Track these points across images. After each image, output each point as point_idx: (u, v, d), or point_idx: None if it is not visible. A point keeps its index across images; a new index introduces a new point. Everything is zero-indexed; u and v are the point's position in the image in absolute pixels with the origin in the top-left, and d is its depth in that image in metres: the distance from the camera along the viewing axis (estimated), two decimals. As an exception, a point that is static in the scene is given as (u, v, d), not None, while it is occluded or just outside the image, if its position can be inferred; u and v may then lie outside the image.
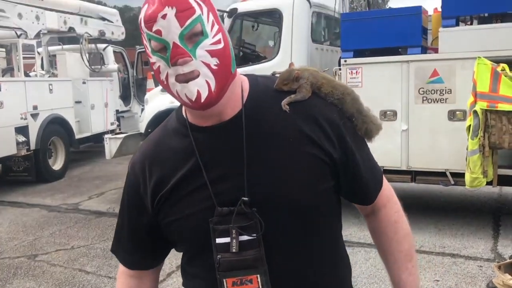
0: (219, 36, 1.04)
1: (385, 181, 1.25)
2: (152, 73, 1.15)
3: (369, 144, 1.23)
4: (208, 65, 1.02)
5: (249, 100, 1.13)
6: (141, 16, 1.03)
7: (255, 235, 1.05)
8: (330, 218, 1.17)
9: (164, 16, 0.99)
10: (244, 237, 1.06)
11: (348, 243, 4.85)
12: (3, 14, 7.97)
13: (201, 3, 1.03)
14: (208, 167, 1.10)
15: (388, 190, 1.25)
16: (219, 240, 1.07)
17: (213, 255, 1.07)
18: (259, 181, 1.07)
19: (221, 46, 1.04)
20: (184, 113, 1.17)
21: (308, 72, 1.16)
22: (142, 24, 1.02)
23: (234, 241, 1.05)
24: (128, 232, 1.24)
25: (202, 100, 1.02)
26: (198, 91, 1.01)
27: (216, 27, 1.04)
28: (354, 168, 1.15)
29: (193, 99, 1.02)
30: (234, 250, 1.05)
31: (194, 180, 1.10)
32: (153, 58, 1.05)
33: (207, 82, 1.02)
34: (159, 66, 1.04)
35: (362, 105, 1.19)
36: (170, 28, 0.99)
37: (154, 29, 1.00)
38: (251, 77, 1.18)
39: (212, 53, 1.02)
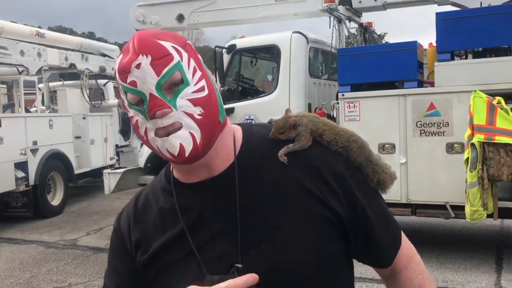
0: (202, 83, 0.95)
1: (404, 238, 1.09)
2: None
3: None
4: (191, 115, 0.92)
5: (242, 152, 1.01)
6: (115, 67, 0.95)
7: None
8: (338, 285, 1.02)
9: (138, 66, 0.91)
10: None
11: (349, 278, 4.77)
12: (6, 52, 8.12)
13: (180, 49, 0.95)
14: (196, 230, 0.98)
15: (408, 249, 1.09)
16: None
17: None
18: (254, 245, 0.95)
19: (204, 93, 0.95)
20: (171, 168, 1.07)
21: (306, 118, 1.04)
22: (117, 76, 0.94)
23: None
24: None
25: (186, 154, 0.92)
26: (180, 145, 0.92)
27: (198, 73, 0.96)
28: (366, 226, 1.01)
29: (176, 154, 0.93)
30: None
31: (180, 245, 0.99)
32: (131, 112, 0.96)
33: (191, 134, 0.92)
34: (137, 120, 0.95)
35: (371, 153, 1.05)
36: (146, 78, 0.91)
37: (128, 80, 0.92)
38: (244, 126, 1.08)
39: (195, 102, 0.93)
